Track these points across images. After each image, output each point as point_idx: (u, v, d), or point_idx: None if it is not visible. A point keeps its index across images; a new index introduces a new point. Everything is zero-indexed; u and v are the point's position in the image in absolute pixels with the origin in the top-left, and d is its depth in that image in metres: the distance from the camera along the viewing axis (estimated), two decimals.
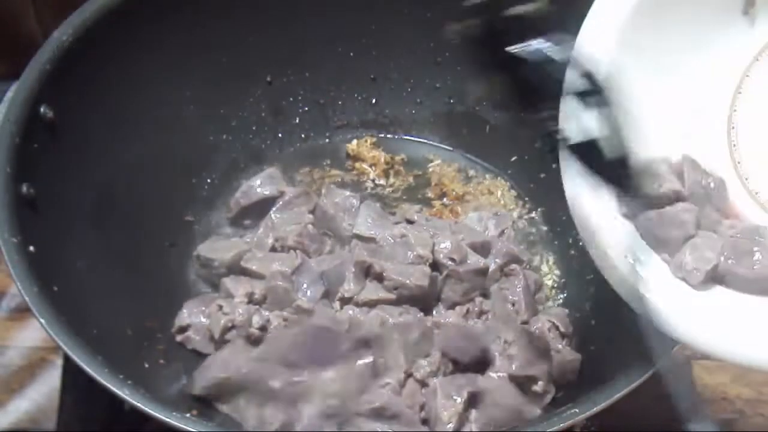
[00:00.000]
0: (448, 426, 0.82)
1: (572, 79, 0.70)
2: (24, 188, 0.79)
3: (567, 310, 0.95)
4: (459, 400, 0.83)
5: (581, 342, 0.93)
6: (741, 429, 1.06)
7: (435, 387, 0.84)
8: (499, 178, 1.11)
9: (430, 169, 1.12)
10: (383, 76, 1.12)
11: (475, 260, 0.95)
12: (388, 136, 1.15)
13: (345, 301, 0.92)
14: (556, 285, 1.02)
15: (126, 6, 0.91)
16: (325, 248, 0.99)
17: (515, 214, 1.07)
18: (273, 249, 0.97)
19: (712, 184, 0.79)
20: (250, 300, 0.91)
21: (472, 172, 1.12)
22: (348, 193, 1.02)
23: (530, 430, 0.72)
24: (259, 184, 1.02)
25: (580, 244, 1.01)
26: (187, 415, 0.69)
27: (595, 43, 0.76)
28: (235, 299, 0.90)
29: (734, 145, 0.81)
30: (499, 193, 1.10)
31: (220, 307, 0.90)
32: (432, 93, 1.12)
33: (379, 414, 0.83)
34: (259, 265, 0.94)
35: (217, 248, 0.97)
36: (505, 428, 0.82)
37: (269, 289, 0.91)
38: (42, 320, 0.71)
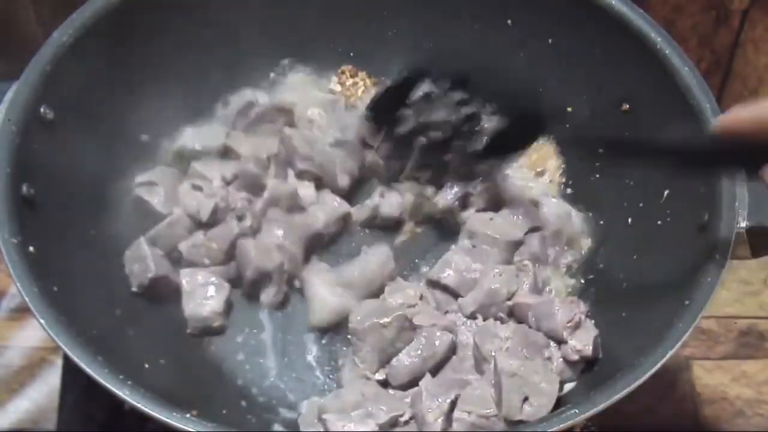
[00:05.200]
0: (434, 427, 0.82)
1: None
2: (24, 188, 0.79)
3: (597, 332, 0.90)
4: (446, 400, 0.83)
5: None
6: (741, 429, 1.06)
7: (420, 388, 0.84)
8: None
9: None
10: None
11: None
12: None
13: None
14: None
15: (126, 6, 0.91)
16: None
17: None
18: None
19: None
20: (227, 183, 0.92)
21: None
22: None
23: (530, 430, 0.72)
24: None
25: None
26: (187, 415, 0.69)
27: None
28: (213, 182, 0.91)
29: None
30: None
31: (200, 188, 0.91)
32: None
33: None
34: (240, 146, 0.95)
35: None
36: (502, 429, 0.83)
37: (240, 172, 0.92)
38: (42, 320, 0.71)
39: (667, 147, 0.78)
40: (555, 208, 1.00)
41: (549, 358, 0.88)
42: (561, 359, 0.88)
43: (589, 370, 0.88)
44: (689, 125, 0.86)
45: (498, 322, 0.91)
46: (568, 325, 0.88)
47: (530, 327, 0.90)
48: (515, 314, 0.92)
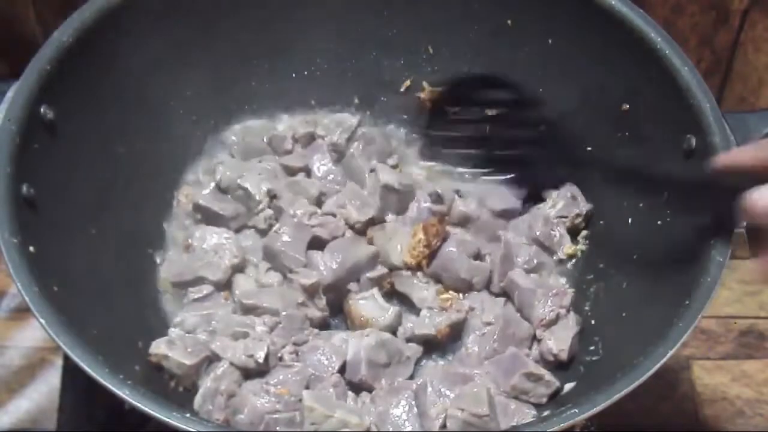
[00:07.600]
0: (435, 422, 0.82)
1: None
2: (24, 188, 0.79)
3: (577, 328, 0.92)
4: (449, 396, 0.83)
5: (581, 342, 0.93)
6: (741, 429, 1.06)
7: (425, 383, 0.85)
8: None
9: None
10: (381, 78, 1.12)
11: None
12: None
13: None
14: None
15: (126, 6, 0.91)
16: None
17: None
18: None
19: None
20: (271, 329, 0.89)
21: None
22: None
23: (530, 430, 0.72)
24: None
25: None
26: (187, 414, 0.69)
27: None
28: (257, 328, 0.88)
29: None
30: None
31: (246, 334, 0.87)
32: None
33: None
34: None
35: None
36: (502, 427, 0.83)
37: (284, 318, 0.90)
38: (42, 320, 0.71)
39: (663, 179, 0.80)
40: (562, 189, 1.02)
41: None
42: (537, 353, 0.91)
43: (589, 371, 0.89)
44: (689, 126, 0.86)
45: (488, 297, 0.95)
46: (542, 323, 0.91)
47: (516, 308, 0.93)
48: (508, 291, 0.95)
